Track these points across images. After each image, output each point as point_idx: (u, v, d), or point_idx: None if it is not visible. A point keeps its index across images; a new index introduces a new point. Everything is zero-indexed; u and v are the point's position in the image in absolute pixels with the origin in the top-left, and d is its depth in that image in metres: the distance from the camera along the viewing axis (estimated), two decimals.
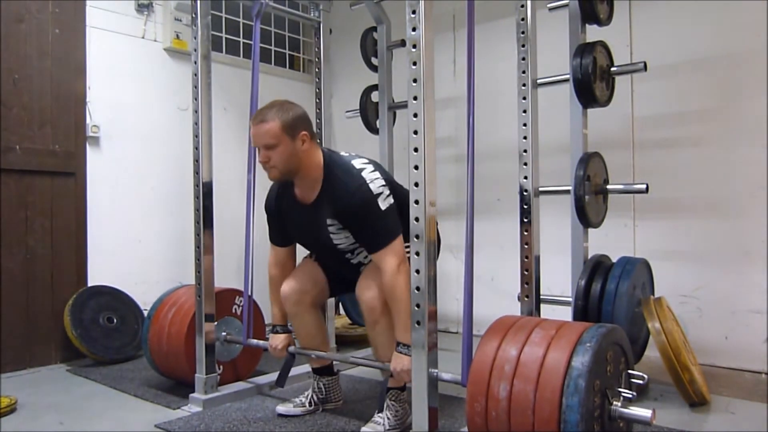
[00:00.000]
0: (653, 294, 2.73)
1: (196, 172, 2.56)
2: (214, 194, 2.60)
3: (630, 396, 1.64)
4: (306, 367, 2.95)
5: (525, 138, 2.31)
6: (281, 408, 2.40)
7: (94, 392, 2.76)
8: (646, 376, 1.71)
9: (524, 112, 2.33)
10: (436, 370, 1.83)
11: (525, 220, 2.29)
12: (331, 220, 2.18)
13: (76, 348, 3.18)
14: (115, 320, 3.35)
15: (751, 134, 2.88)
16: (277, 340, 2.43)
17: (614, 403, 1.61)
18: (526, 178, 2.30)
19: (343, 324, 3.73)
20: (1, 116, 3.07)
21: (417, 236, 1.79)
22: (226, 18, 4.18)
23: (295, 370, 2.95)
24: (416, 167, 1.78)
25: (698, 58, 3.04)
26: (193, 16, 2.56)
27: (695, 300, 3.03)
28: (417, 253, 1.79)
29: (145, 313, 3.48)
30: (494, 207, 3.66)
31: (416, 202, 1.79)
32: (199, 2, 2.54)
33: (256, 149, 2.22)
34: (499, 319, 1.81)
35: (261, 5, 2.71)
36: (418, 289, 1.79)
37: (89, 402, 2.62)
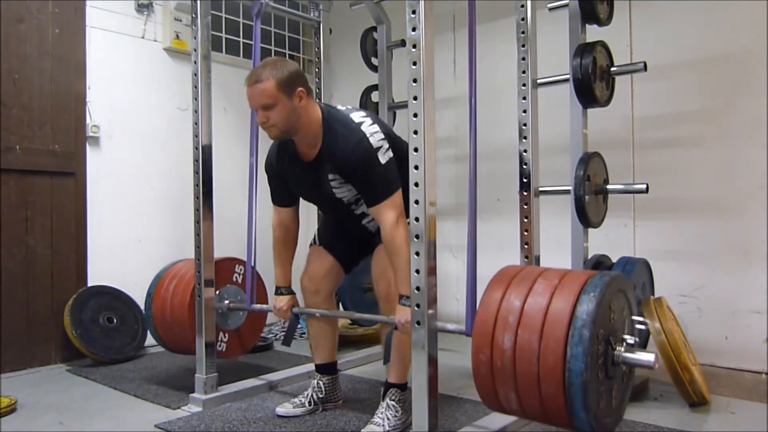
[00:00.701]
0: (653, 294, 2.73)
1: (196, 173, 2.56)
2: (214, 194, 2.60)
3: (633, 342, 1.67)
4: (306, 368, 2.96)
5: (525, 138, 2.31)
6: (280, 409, 2.40)
7: (94, 392, 2.76)
8: (648, 322, 1.74)
9: (524, 112, 2.33)
10: (440, 322, 1.83)
11: (525, 220, 2.29)
12: (333, 174, 2.19)
13: (76, 348, 3.18)
14: (115, 320, 3.35)
15: (751, 134, 2.88)
16: (282, 302, 2.44)
17: (618, 348, 1.63)
18: (526, 178, 2.30)
19: (344, 324, 3.73)
20: (1, 116, 3.07)
21: (417, 236, 1.79)
22: (226, 18, 4.18)
23: (294, 371, 2.96)
24: (416, 167, 1.78)
25: (698, 58, 3.04)
26: (193, 16, 2.56)
27: (695, 300, 3.02)
28: (417, 254, 1.79)
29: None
30: (494, 207, 3.66)
31: (416, 202, 1.79)
32: (199, 2, 2.54)
33: (254, 111, 2.20)
34: (502, 269, 1.82)
35: (261, 5, 2.71)
36: (418, 289, 1.79)
37: (89, 402, 2.62)
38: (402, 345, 2.20)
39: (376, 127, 2.16)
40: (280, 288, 2.47)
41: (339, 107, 2.27)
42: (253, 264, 2.63)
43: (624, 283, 1.72)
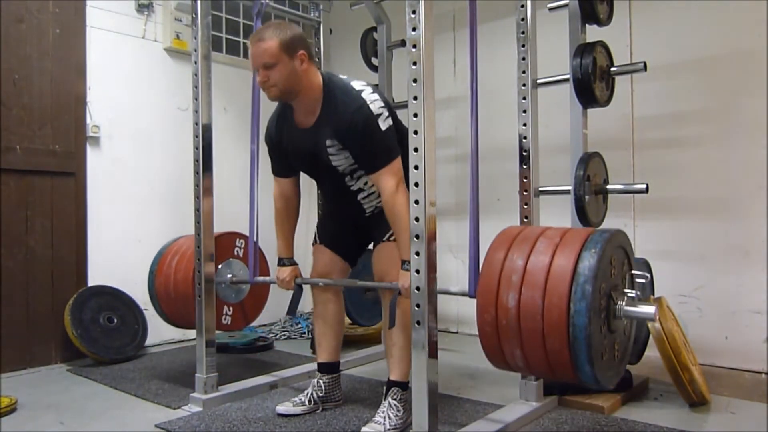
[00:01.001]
0: (653, 294, 2.73)
1: (197, 173, 2.56)
2: (214, 194, 2.60)
3: (634, 295, 1.70)
4: (306, 367, 2.96)
5: (525, 138, 2.31)
6: (281, 408, 2.40)
7: (95, 392, 2.76)
8: (648, 275, 1.77)
9: (524, 112, 2.33)
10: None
11: (525, 219, 2.29)
12: (331, 141, 2.20)
13: (77, 348, 3.18)
14: (115, 320, 3.35)
15: (751, 134, 2.88)
16: (284, 273, 2.46)
17: (619, 302, 1.67)
18: (526, 178, 2.30)
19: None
20: (1, 116, 3.07)
21: (417, 236, 1.79)
22: (226, 18, 4.19)
23: (295, 370, 2.96)
24: (416, 167, 1.78)
25: (698, 58, 3.04)
26: (194, 16, 2.56)
27: (695, 300, 3.03)
28: (417, 254, 1.79)
29: (146, 313, 3.51)
30: (494, 207, 3.66)
31: (416, 202, 1.79)
32: (199, 2, 2.54)
33: (256, 71, 2.20)
34: (503, 230, 1.84)
35: (261, 5, 2.71)
36: (418, 289, 1.79)
37: (89, 402, 2.62)
38: (404, 342, 2.21)
39: (376, 96, 2.17)
40: (283, 259, 2.48)
41: (341, 76, 2.29)
42: (255, 239, 2.62)
43: (624, 239, 1.75)
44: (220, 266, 2.70)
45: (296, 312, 2.51)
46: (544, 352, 1.60)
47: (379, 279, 2.28)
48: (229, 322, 2.77)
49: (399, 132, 2.18)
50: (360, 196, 2.34)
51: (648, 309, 1.66)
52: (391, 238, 2.25)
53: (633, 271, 1.79)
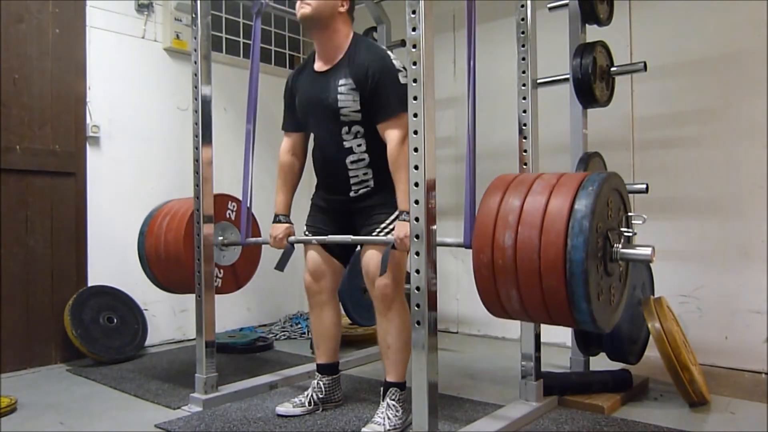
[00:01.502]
0: (653, 294, 2.73)
1: (197, 172, 2.56)
2: (213, 192, 2.60)
3: (630, 234, 1.73)
4: (306, 368, 2.96)
5: (525, 138, 2.31)
6: (281, 409, 2.39)
7: (94, 392, 2.76)
8: (645, 216, 1.78)
9: (524, 111, 2.33)
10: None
11: None
12: (345, 79, 2.24)
13: (76, 348, 3.18)
14: (115, 320, 3.35)
15: (750, 134, 2.88)
16: (278, 230, 2.45)
17: (615, 244, 1.67)
18: None
19: (343, 324, 3.73)
20: (1, 116, 3.07)
21: (417, 236, 1.79)
22: (226, 18, 4.18)
23: (295, 370, 2.96)
24: (416, 167, 1.78)
25: (698, 58, 3.04)
26: (193, 16, 2.56)
27: (695, 300, 3.03)
28: (417, 253, 1.79)
29: (146, 313, 3.51)
30: None
31: (416, 202, 1.79)
32: (199, 2, 2.54)
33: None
34: (498, 177, 1.85)
35: (261, 5, 2.71)
36: (418, 289, 1.79)
37: (89, 402, 2.62)
38: (400, 344, 2.21)
39: (399, 61, 2.24)
40: (279, 216, 2.48)
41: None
42: (248, 204, 2.62)
43: (619, 182, 1.75)
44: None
45: (284, 268, 2.49)
46: (540, 292, 1.60)
47: (371, 282, 2.24)
48: (219, 285, 2.74)
49: None
50: (350, 159, 2.29)
51: (644, 251, 1.66)
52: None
53: (629, 214, 1.79)
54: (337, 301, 2.51)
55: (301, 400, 2.42)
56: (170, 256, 2.70)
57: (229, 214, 2.82)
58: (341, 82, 2.24)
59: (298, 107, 2.42)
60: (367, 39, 2.36)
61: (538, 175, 1.77)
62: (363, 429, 2.14)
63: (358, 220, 2.34)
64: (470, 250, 1.84)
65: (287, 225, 2.48)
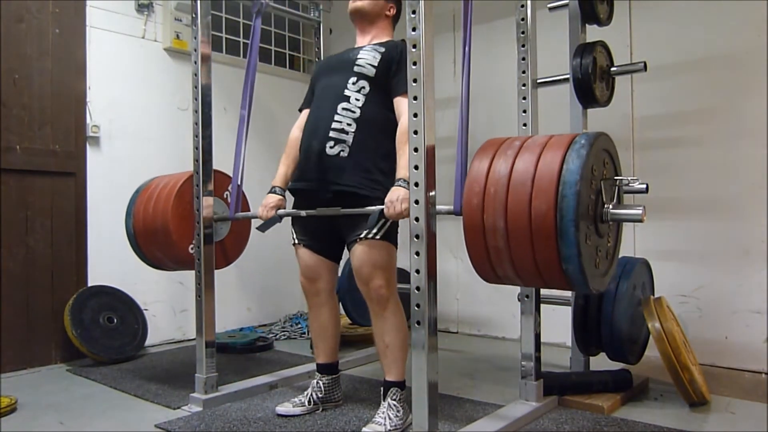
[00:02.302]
0: (653, 294, 2.73)
1: (197, 172, 2.56)
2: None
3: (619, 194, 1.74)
4: (306, 368, 2.96)
5: None
6: (280, 408, 2.39)
7: (94, 392, 2.76)
8: (637, 179, 1.79)
9: (524, 112, 2.33)
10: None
11: None
12: (373, 46, 2.33)
13: (76, 348, 3.18)
14: (115, 320, 3.35)
15: (751, 134, 2.88)
16: (270, 199, 2.45)
17: (606, 205, 1.69)
18: None
19: (344, 324, 3.73)
20: (1, 116, 3.07)
21: (417, 236, 1.79)
22: (226, 18, 4.18)
23: (295, 370, 2.96)
24: (416, 167, 1.78)
25: (698, 58, 3.04)
26: (193, 16, 2.56)
27: (695, 300, 3.03)
28: (417, 253, 1.79)
29: (146, 313, 3.51)
30: None
31: (416, 202, 1.79)
32: (199, 2, 2.54)
33: None
34: (487, 140, 1.86)
35: (261, 5, 2.71)
36: (418, 288, 1.79)
37: (89, 402, 2.62)
38: (398, 342, 2.21)
39: None
40: (275, 187, 2.48)
41: None
42: (239, 182, 2.62)
43: (609, 143, 1.76)
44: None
45: (266, 231, 2.50)
46: (531, 251, 1.60)
47: (364, 284, 2.22)
48: None
49: None
50: (342, 105, 2.27)
51: (635, 210, 1.66)
52: (368, 236, 2.19)
53: (618, 176, 1.79)
54: (335, 301, 2.51)
55: (300, 400, 2.42)
56: (158, 229, 2.68)
57: (226, 195, 2.81)
58: (368, 47, 2.33)
59: (319, 73, 2.47)
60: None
61: (526, 137, 1.78)
62: (364, 429, 2.14)
63: (344, 229, 2.29)
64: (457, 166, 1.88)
65: (280, 197, 2.47)
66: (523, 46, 2.33)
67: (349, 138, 2.24)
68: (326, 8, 3.47)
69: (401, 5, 2.37)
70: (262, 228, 2.49)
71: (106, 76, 3.52)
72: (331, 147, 2.25)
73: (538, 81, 2.38)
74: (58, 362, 3.25)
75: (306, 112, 2.49)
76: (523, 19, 2.33)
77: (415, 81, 1.79)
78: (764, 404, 2.45)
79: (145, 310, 3.54)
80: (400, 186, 2.06)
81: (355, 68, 2.29)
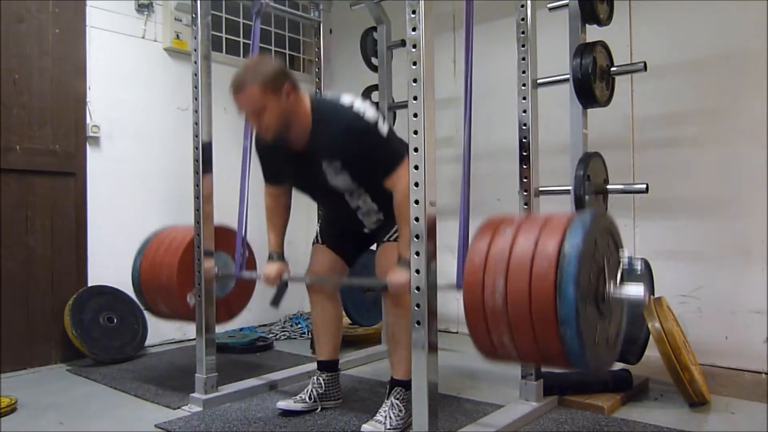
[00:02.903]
0: (653, 294, 2.73)
1: (196, 173, 2.56)
2: (214, 195, 2.60)
3: (621, 277, 1.69)
4: (306, 367, 2.96)
5: (525, 138, 2.31)
6: (282, 403, 2.40)
7: (94, 392, 2.76)
8: (640, 258, 1.74)
9: (524, 112, 2.33)
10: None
11: None
12: (328, 162, 2.16)
13: (76, 348, 3.18)
14: (115, 320, 3.35)
15: (751, 134, 2.88)
16: (271, 269, 2.42)
17: (608, 285, 1.65)
18: (526, 177, 2.30)
19: (344, 324, 3.73)
20: (1, 116, 3.07)
21: (417, 236, 1.79)
22: (226, 18, 4.18)
23: (295, 370, 2.96)
24: (416, 167, 1.78)
25: (698, 58, 3.04)
26: (193, 16, 2.56)
27: (695, 300, 3.02)
28: (417, 253, 1.79)
29: (146, 313, 3.50)
30: (494, 207, 3.66)
31: (416, 202, 1.79)
32: (199, 2, 2.54)
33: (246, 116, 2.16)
34: (487, 218, 1.84)
35: (261, 5, 2.71)
36: (418, 289, 1.79)
37: (89, 402, 2.62)
38: (409, 340, 2.21)
39: (367, 104, 2.15)
40: (272, 254, 2.45)
41: (327, 94, 2.26)
42: (243, 234, 2.62)
43: (608, 222, 1.73)
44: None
45: (279, 305, 2.47)
46: (533, 337, 1.58)
47: (382, 278, 2.25)
48: None
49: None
50: (359, 213, 2.33)
51: (637, 290, 1.63)
52: (394, 238, 2.24)
53: (620, 254, 1.76)
54: (338, 299, 2.52)
55: (301, 396, 2.43)
56: (162, 286, 2.68)
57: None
58: (324, 164, 2.17)
59: (285, 178, 2.39)
60: (326, 103, 2.21)
61: (525, 216, 1.76)
62: (364, 426, 2.14)
63: (374, 231, 2.35)
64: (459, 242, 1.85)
65: (280, 263, 2.44)
66: (523, 46, 2.33)
67: (383, 218, 2.31)
68: (326, 8, 3.47)
69: (287, 74, 2.12)
70: (275, 303, 2.46)
71: (106, 76, 3.52)
72: (369, 229, 2.37)
73: (538, 81, 2.38)
74: (58, 362, 3.25)
75: (278, 186, 2.44)
76: (523, 19, 2.33)
77: (414, 81, 1.78)
78: (764, 404, 2.45)
79: (146, 310, 3.53)
80: (401, 267, 2.04)
81: (340, 192, 2.26)
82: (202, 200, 2.55)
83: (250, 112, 2.10)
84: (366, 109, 2.12)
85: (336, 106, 2.16)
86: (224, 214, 2.84)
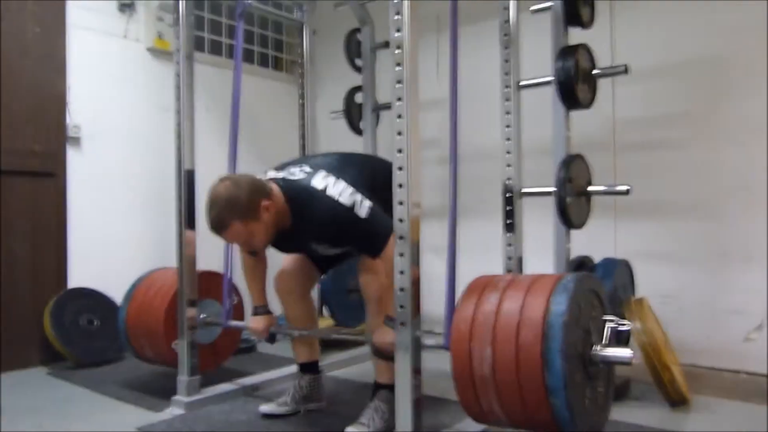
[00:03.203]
0: (635, 294, 2.76)
1: (179, 173, 2.54)
2: (195, 196, 2.58)
3: (608, 340, 1.68)
4: (289, 369, 2.94)
5: (508, 140, 2.32)
6: (265, 407, 2.39)
7: (75, 395, 2.73)
8: (628, 322, 1.73)
9: (508, 113, 2.34)
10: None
11: (508, 221, 2.30)
12: (317, 243, 2.21)
13: (57, 350, 3.14)
14: (96, 322, 3.31)
15: (730, 136, 2.92)
16: (258, 322, 2.42)
17: (594, 347, 1.65)
18: (509, 179, 2.31)
19: (328, 325, 3.72)
20: None
21: (401, 237, 1.79)
22: (209, 18, 4.16)
23: (277, 373, 2.95)
24: (400, 168, 1.79)
25: (679, 61, 3.08)
26: (176, 15, 2.54)
27: (676, 300, 3.06)
28: (401, 254, 1.79)
29: None
30: (478, 208, 3.67)
31: (400, 203, 1.79)
32: (181, 2, 2.52)
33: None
34: (474, 280, 1.85)
35: (244, 5, 2.70)
36: (402, 290, 1.79)
37: (70, 405, 2.59)
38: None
39: (341, 184, 2.10)
40: (258, 308, 2.45)
41: (296, 175, 2.19)
42: (230, 281, 2.61)
43: (594, 283, 1.73)
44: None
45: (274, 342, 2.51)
46: (521, 403, 1.57)
47: (365, 280, 2.24)
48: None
49: (383, 190, 2.07)
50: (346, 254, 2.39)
51: (624, 353, 1.63)
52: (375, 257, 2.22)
53: (605, 317, 1.75)
54: (310, 299, 2.51)
55: (284, 400, 2.42)
56: (150, 333, 2.66)
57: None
58: (313, 245, 2.23)
59: (275, 247, 2.35)
60: (299, 191, 2.14)
61: (511, 278, 1.75)
62: (348, 428, 2.14)
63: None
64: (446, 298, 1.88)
65: (267, 316, 2.44)
66: (507, 48, 2.34)
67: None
68: (310, 9, 3.46)
69: (261, 189, 2.09)
70: (270, 340, 2.49)
71: (87, 76, 3.48)
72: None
73: (522, 83, 2.39)
74: (38, 365, 3.20)
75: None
76: (506, 21, 2.34)
77: (399, 82, 1.79)
78: (743, 403, 2.49)
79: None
80: (386, 326, 2.04)
81: (325, 255, 2.33)
82: (185, 201, 2.54)
83: (241, 244, 2.18)
84: (340, 192, 2.07)
85: (310, 193, 2.11)
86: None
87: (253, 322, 2.43)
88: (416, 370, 1.82)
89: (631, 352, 1.63)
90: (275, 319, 2.48)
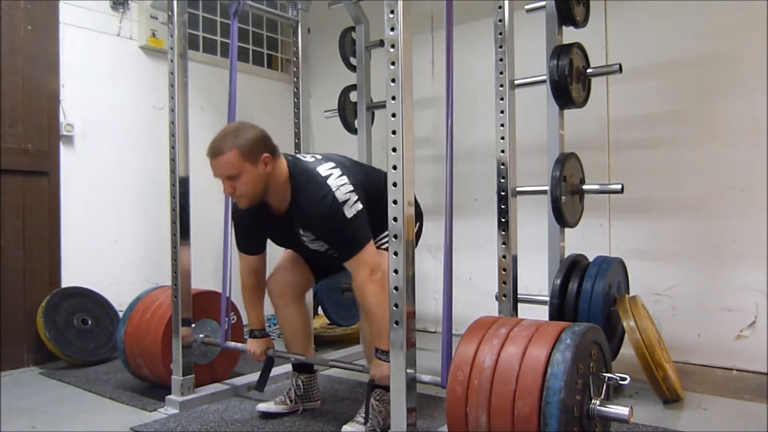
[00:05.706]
0: (628, 293, 2.77)
1: (173, 172, 2.54)
2: (190, 196, 2.58)
3: (606, 396, 1.65)
4: (284, 368, 2.94)
5: (502, 138, 2.32)
6: (262, 406, 2.39)
7: (68, 395, 2.72)
8: (627, 377, 1.71)
9: (501, 112, 2.34)
10: (414, 371, 1.83)
11: (502, 220, 2.31)
12: (304, 231, 2.18)
13: (50, 350, 3.12)
14: (89, 322, 3.30)
15: (723, 135, 2.94)
16: (255, 345, 2.43)
17: (593, 401, 1.63)
18: (503, 178, 2.31)
19: (322, 324, 3.72)
20: None
21: (395, 236, 1.79)
22: (203, 16, 4.15)
23: (275, 371, 2.93)
24: (394, 167, 1.78)
25: (672, 61, 3.09)
26: (170, 14, 2.53)
27: (669, 298, 3.07)
28: (395, 253, 1.79)
29: (120, 314, 3.46)
30: (472, 207, 3.68)
31: (395, 202, 1.79)
32: (175, 0, 2.51)
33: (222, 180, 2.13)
34: (476, 320, 1.82)
35: (238, 3, 2.69)
36: (396, 289, 1.79)
37: (63, 405, 2.58)
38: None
39: (344, 179, 2.11)
40: (255, 331, 2.44)
41: (306, 159, 2.22)
42: (228, 295, 2.61)
43: (598, 335, 1.71)
44: (193, 325, 2.61)
45: (264, 388, 2.48)
46: None
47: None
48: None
49: (378, 198, 2.10)
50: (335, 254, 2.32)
51: (622, 411, 1.62)
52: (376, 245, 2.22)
53: (607, 373, 1.72)
54: (302, 300, 2.50)
55: (281, 398, 2.42)
56: (146, 354, 2.65)
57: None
58: (301, 232, 2.19)
59: (267, 237, 2.37)
60: (303, 171, 2.17)
61: (516, 322, 1.73)
62: (344, 427, 2.14)
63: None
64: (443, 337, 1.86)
65: (264, 339, 2.44)
66: (501, 47, 2.34)
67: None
68: (304, 7, 3.45)
69: (267, 143, 2.13)
70: (260, 386, 2.47)
71: (80, 74, 3.46)
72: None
73: (516, 82, 2.39)
74: (31, 365, 3.19)
75: (254, 258, 2.38)
76: (500, 20, 2.34)
77: (393, 81, 1.78)
78: (735, 400, 2.50)
79: (120, 311, 3.49)
80: (380, 359, 2.05)
81: (323, 253, 2.27)
82: (179, 198, 2.53)
83: (225, 177, 2.09)
84: (340, 185, 2.09)
85: (312, 175, 2.13)
86: (200, 218, 2.81)
87: (250, 345, 2.44)
88: (411, 400, 1.81)
89: (629, 409, 1.61)
90: (272, 342, 2.48)
